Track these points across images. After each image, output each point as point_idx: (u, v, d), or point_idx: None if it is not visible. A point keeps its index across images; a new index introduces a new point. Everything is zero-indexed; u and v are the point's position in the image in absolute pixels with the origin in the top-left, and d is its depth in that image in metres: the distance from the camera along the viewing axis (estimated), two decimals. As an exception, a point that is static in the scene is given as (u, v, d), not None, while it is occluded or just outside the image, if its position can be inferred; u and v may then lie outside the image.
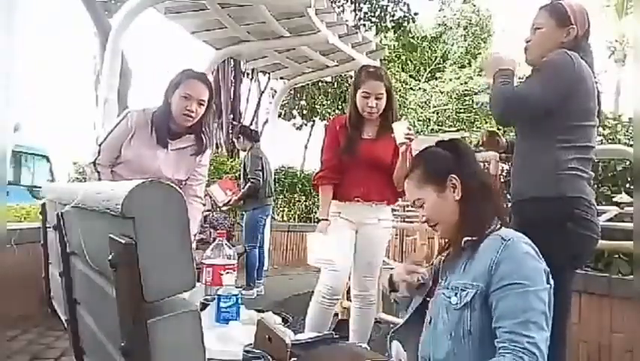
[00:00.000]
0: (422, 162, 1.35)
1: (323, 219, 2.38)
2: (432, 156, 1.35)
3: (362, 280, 2.43)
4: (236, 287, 1.51)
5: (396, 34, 11.09)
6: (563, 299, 1.66)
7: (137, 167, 2.08)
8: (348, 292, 2.72)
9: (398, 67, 17.74)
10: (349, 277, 2.48)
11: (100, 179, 2.07)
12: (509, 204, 1.79)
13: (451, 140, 1.37)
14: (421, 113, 18.02)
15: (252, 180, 4.59)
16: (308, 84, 9.12)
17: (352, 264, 2.41)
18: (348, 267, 2.39)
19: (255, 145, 4.85)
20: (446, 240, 1.36)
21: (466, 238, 1.23)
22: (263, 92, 11.76)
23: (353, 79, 2.46)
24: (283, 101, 9.08)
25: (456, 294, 1.18)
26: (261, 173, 4.60)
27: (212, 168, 6.76)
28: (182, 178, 2.20)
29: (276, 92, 9.24)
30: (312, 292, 2.39)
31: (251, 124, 10.58)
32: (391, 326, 3.38)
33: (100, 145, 2.11)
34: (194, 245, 2.28)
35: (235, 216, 6.23)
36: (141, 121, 2.10)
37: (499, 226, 1.24)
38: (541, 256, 1.18)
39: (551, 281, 1.16)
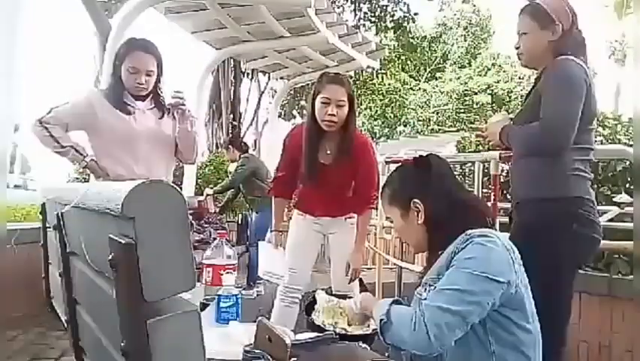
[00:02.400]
0: (391, 182, 1.36)
1: (274, 231, 2.39)
2: (399, 178, 1.36)
3: (343, 281, 2.38)
4: (236, 287, 1.51)
5: (396, 35, 11.08)
6: (564, 300, 1.66)
7: (122, 130, 2.09)
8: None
9: (398, 67, 17.75)
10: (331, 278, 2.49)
11: (51, 135, 2.06)
12: (512, 205, 1.79)
13: (427, 156, 1.33)
14: (421, 113, 18.05)
15: (231, 178, 4.61)
16: (308, 84, 9.11)
17: (332, 266, 2.44)
18: (310, 266, 2.44)
19: (245, 155, 4.70)
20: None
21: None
22: (263, 92, 11.76)
23: (313, 86, 2.22)
24: (283, 101, 9.08)
25: (425, 290, 1.18)
26: (239, 176, 4.52)
27: (212, 168, 6.77)
28: (171, 133, 2.21)
29: (276, 92, 9.25)
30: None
31: (251, 124, 10.58)
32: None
33: (52, 108, 2.10)
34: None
35: (235, 216, 6.23)
36: (102, 95, 2.15)
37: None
38: (514, 251, 1.15)
39: (515, 284, 1.11)
